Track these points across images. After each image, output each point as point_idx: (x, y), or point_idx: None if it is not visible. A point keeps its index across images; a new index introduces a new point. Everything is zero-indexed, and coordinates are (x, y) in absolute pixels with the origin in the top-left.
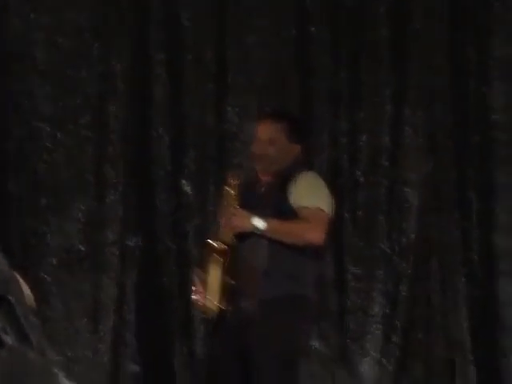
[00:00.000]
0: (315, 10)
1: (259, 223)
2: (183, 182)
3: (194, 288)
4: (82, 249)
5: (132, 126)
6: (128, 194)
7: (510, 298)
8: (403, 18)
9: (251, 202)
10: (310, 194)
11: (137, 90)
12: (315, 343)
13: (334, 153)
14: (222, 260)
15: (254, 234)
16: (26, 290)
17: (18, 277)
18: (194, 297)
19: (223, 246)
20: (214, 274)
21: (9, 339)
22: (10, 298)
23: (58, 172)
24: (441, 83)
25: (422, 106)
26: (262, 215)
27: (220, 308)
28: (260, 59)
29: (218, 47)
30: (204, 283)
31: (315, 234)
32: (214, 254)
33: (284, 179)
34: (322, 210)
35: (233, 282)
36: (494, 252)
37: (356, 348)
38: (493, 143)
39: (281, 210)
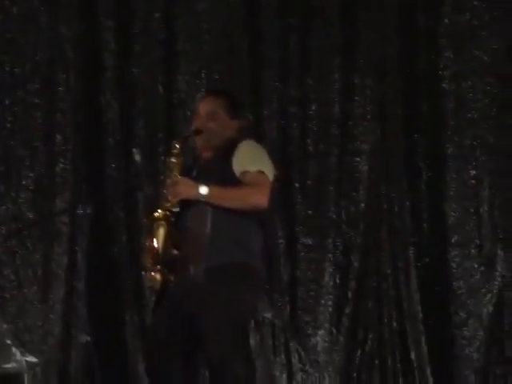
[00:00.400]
0: None
1: (202, 190)
2: (133, 150)
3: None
4: (32, 217)
5: (81, 94)
6: (78, 162)
7: (461, 267)
8: None
9: (194, 176)
10: (251, 158)
11: (86, 57)
12: (267, 314)
13: (283, 122)
14: (164, 224)
15: (198, 202)
16: None
17: None
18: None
19: (165, 213)
20: (160, 244)
21: None
22: None
23: (7, 139)
24: (391, 51)
25: (371, 74)
26: (205, 184)
27: (163, 277)
28: (209, 26)
29: (166, 14)
30: (150, 253)
31: (259, 198)
32: (158, 222)
33: (225, 150)
34: (263, 172)
35: (175, 252)
36: (444, 222)
37: (308, 319)
38: (442, 112)
39: (224, 178)
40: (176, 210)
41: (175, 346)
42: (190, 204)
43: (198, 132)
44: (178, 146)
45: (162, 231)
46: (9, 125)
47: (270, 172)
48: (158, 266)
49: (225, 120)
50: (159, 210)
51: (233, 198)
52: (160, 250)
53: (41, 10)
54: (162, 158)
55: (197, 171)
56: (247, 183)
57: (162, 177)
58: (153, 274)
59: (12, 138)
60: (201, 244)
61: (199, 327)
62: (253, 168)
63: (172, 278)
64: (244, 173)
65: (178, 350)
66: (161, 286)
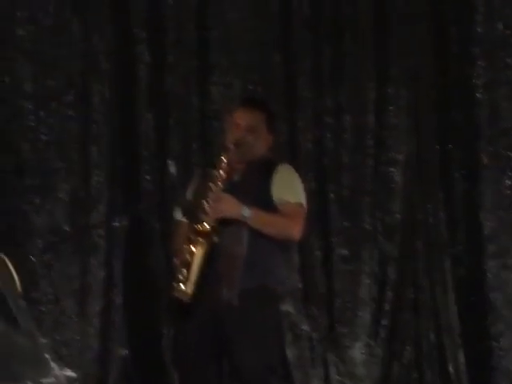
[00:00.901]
0: None
1: (245, 212)
2: (168, 161)
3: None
4: (68, 230)
5: (116, 105)
6: (113, 174)
7: (498, 279)
8: None
9: (227, 190)
10: (291, 188)
11: (120, 68)
12: (304, 327)
13: (318, 133)
14: (204, 242)
15: (236, 221)
16: (13, 273)
17: (6, 260)
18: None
19: (208, 230)
20: (197, 258)
21: None
22: None
23: (42, 151)
24: (424, 61)
25: (405, 84)
26: (242, 202)
27: (194, 292)
28: (242, 37)
29: (200, 25)
30: (184, 265)
31: (295, 230)
32: (198, 238)
33: (263, 169)
34: (302, 205)
35: (208, 270)
36: (481, 232)
37: (345, 331)
38: (476, 121)
39: (262, 201)
40: (215, 225)
41: (206, 362)
42: (227, 221)
43: (237, 144)
44: (225, 158)
45: (201, 250)
46: (44, 137)
47: (305, 202)
48: (191, 280)
49: (263, 134)
50: (203, 225)
51: (272, 225)
52: (196, 268)
53: (74, 22)
54: (196, 168)
55: (230, 186)
56: (287, 214)
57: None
58: (182, 286)
59: (47, 150)
60: (236, 265)
61: (232, 349)
62: (293, 199)
63: (203, 293)
64: (284, 203)
65: (208, 368)
66: (190, 299)
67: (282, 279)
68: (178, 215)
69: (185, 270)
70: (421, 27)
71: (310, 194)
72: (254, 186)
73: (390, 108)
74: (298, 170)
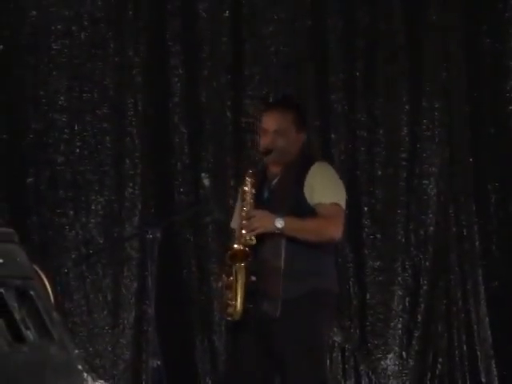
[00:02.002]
0: (331, 1)
1: (278, 223)
2: (202, 174)
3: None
4: (101, 242)
5: (150, 118)
6: (147, 186)
7: None
8: (418, 8)
9: (264, 197)
10: (325, 188)
11: (154, 81)
12: (337, 338)
13: (351, 145)
14: (244, 265)
15: (272, 234)
16: (47, 285)
17: (40, 272)
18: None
19: (245, 249)
20: (240, 281)
21: (30, 335)
22: (32, 293)
23: (76, 164)
24: (457, 74)
25: (439, 97)
26: (277, 210)
27: (245, 310)
28: (276, 51)
29: (233, 38)
30: (230, 289)
31: (333, 231)
32: (237, 264)
33: (297, 171)
34: (337, 204)
35: (254, 279)
36: None
37: (378, 342)
38: (509, 134)
39: (298, 205)
40: (253, 243)
41: (256, 375)
42: (264, 235)
43: (267, 152)
44: (251, 174)
45: (242, 275)
46: (78, 150)
47: (342, 200)
48: (238, 300)
49: (293, 135)
50: (237, 245)
51: (308, 231)
52: (241, 292)
53: (108, 35)
54: (232, 182)
55: (268, 192)
56: (322, 216)
57: (231, 200)
58: (231, 309)
59: (81, 162)
60: (275, 278)
61: (277, 358)
62: (327, 200)
63: (250, 306)
64: (318, 204)
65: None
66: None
67: (329, 278)
68: (232, 224)
69: (229, 293)
70: (454, 40)
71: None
72: (289, 191)
73: (424, 121)
74: None
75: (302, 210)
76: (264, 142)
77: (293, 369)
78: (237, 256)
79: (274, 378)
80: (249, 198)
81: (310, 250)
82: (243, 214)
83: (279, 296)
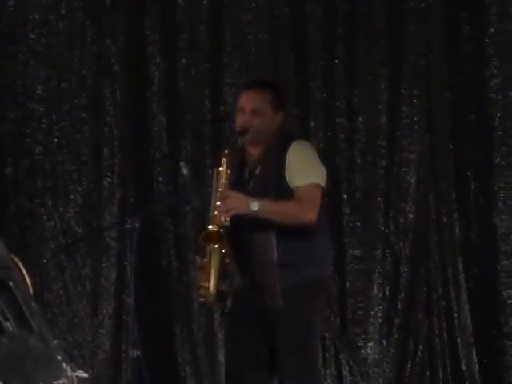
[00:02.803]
0: None
1: (253, 206)
2: (181, 163)
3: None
4: (80, 232)
5: (128, 108)
6: (125, 176)
7: (511, 277)
8: None
9: (244, 179)
10: (302, 168)
11: (132, 70)
12: None
13: (330, 133)
14: (218, 247)
15: (261, 227)
16: (25, 275)
17: (18, 262)
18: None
19: (219, 230)
20: (214, 262)
21: (9, 325)
22: (11, 283)
23: (54, 154)
24: (437, 61)
25: (418, 85)
26: (261, 195)
27: (218, 292)
28: (254, 38)
29: (212, 27)
30: (203, 270)
31: (307, 214)
32: (211, 244)
33: (276, 153)
34: (315, 185)
35: (228, 261)
36: (494, 231)
37: (358, 331)
38: (489, 121)
39: (280, 189)
40: (227, 224)
41: (257, 368)
42: (251, 228)
43: (244, 132)
44: (226, 154)
45: (216, 256)
46: (56, 140)
47: (320, 178)
48: (212, 282)
49: (270, 115)
50: (211, 226)
51: (282, 214)
52: (215, 273)
53: (86, 25)
54: (211, 171)
55: (249, 175)
56: (298, 198)
57: (210, 189)
58: (203, 291)
59: (59, 152)
60: (271, 272)
61: (276, 345)
62: (304, 181)
63: (229, 289)
64: (296, 187)
65: (260, 365)
66: (222, 298)
67: (323, 263)
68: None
69: (201, 274)
70: (433, 27)
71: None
72: (271, 176)
73: (403, 108)
74: None
75: (285, 192)
76: (241, 120)
77: (289, 359)
78: (211, 237)
79: (271, 365)
80: (224, 179)
81: (300, 239)
82: (218, 194)
83: (278, 289)
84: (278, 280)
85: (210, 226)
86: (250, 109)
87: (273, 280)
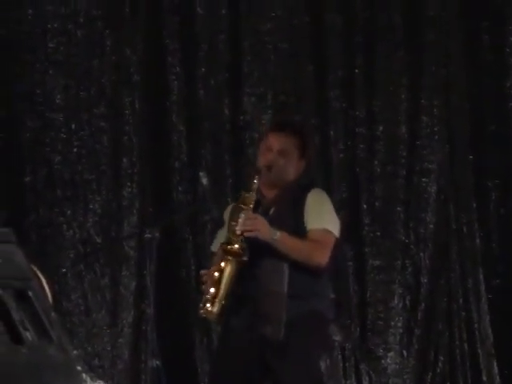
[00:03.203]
0: None
1: (274, 234)
2: (200, 173)
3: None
4: (99, 241)
5: (147, 117)
6: (145, 185)
7: None
8: (418, 4)
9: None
10: (320, 214)
11: (151, 79)
12: (337, 337)
13: (350, 143)
14: (233, 260)
15: (272, 256)
16: (45, 285)
17: (38, 272)
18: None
19: (239, 251)
20: (225, 276)
21: (29, 335)
22: (30, 293)
23: (74, 163)
24: (457, 71)
25: (438, 94)
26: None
27: (221, 313)
28: (274, 48)
29: (231, 36)
30: (212, 284)
31: (320, 257)
32: (228, 256)
33: (294, 197)
34: (330, 231)
35: (250, 307)
36: None
37: (378, 341)
38: (510, 131)
39: (296, 230)
40: (246, 258)
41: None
42: (261, 256)
43: (269, 167)
44: (256, 180)
45: (229, 268)
46: (75, 149)
47: (335, 228)
48: (217, 300)
49: (295, 159)
50: (235, 245)
51: (297, 250)
52: (224, 286)
53: (105, 34)
54: (230, 180)
55: (262, 212)
56: (313, 240)
57: (229, 199)
58: (209, 306)
59: (79, 162)
60: (279, 302)
61: (275, 376)
62: (319, 225)
63: (230, 318)
64: (311, 230)
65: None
66: (220, 322)
67: (327, 303)
68: (212, 247)
69: (213, 289)
70: (454, 36)
71: (343, 204)
72: (287, 218)
73: (423, 118)
74: (330, 179)
75: (301, 234)
76: (266, 158)
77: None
78: (230, 255)
79: None
80: (249, 202)
81: (309, 273)
82: (245, 211)
83: (282, 320)
84: (286, 312)
85: (227, 245)
86: (278, 149)
87: (279, 311)
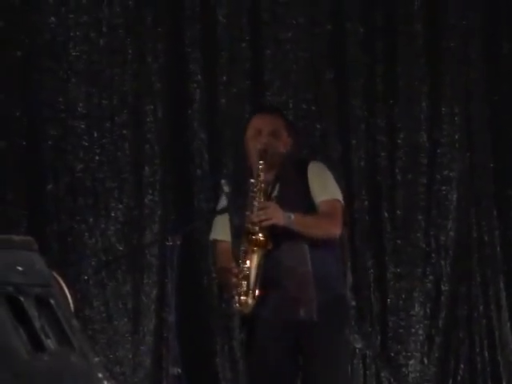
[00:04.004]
0: (350, 6)
1: (288, 216)
2: (222, 181)
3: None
4: (121, 249)
5: (169, 125)
6: (166, 193)
7: None
8: (438, 11)
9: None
10: (326, 185)
11: (173, 88)
12: (358, 344)
13: (371, 151)
14: (259, 251)
15: (292, 239)
16: (67, 292)
17: (59, 279)
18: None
19: (265, 239)
20: (253, 267)
21: (50, 343)
22: (51, 301)
23: (95, 171)
24: (477, 78)
25: (458, 102)
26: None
27: (255, 304)
28: (295, 56)
29: (253, 44)
30: (242, 277)
31: (336, 227)
32: (254, 247)
33: (296, 173)
34: (338, 200)
35: (278, 292)
36: None
37: (399, 349)
38: None
39: (306, 204)
40: (271, 246)
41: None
42: (280, 239)
43: (265, 152)
44: (261, 166)
45: (257, 258)
46: (97, 157)
47: (340, 195)
48: (251, 291)
49: (285, 138)
50: (259, 235)
51: (313, 227)
52: (254, 278)
53: (127, 41)
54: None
55: (267, 195)
56: (325, 212)
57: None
58: (244, 298)
59: (100, 170)
60: (306, 283)
61: (309, 360)
62: (327, 196)
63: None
64: (321, 202)
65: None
66: (250, 313)
67: (346, 284)
68: (213, 235)
69: (245, 282)
70: (474, 43)
71: (363, 212)
72: (293, 194)
73: (443, 126)
74: (351, 187)
75: (311, 209)
76: (259, 142)
77: (322, 371)
78: (256, 244)
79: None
80: (259, 190)
81: (328, 252)
82: (256, 203)
83: (314, 300)
84: (315, 293)
85: (251, 236)
86: (268, 130)
87: (309, 292)
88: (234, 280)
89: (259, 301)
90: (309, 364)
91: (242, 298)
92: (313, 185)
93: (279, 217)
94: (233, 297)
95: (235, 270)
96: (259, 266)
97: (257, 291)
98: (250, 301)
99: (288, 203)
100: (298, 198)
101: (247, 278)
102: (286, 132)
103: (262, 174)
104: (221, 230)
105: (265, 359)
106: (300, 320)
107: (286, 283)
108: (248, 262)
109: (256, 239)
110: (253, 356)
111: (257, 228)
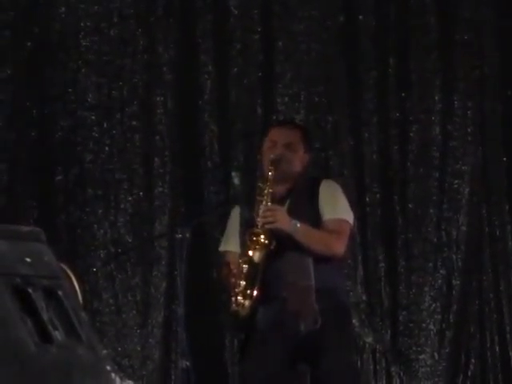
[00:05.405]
0: None
1: (294, 224)
2: (232, 173)
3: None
4: (130, 241)
5: (179, 116)
6: (176, 185)
7: None
8: (451, 5)
9: None
10: (335, 204)
11: (184, 79)
12: (368, 339)
13: (383, 144)
14: (263, 252)
15: (296, 253)
16: (75, 284)
17: (68, 271)
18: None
19: (267, 242)
20: (256, 267)
21: (58, 335)
22: (60, 292)
23: (105, 162)
24: (490, 73)
25: (471, 96)
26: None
27: (252, 306)
28: (307, 48)
29: (265, 36)
30: (242, 275)
31: (339, 246)
32: (256, 246)
33: (309, 188)
34: (345, 220)
35: (279, 306)
36: None
37: (409, 343)
38: None
39: (314, 221)
40: (273, 246)
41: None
42: (284, 251)
43: (276, 162)
44: (271, 172)
45: (258, 258)
46: (107, 148)
47: (350, 217)
48: (249, 291)
49: (300, 153)
50: (261, 235)
51: (316, 240)
52: (253, 279)
53: (138, 32)
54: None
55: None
56: (330, 230)
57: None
58: (241, 299)
59: (110, 161)
60: (309, 297)
61: (315, 362)
62: (335, 215)
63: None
64: (327, 220)
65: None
66: (247, 318)
67: (346, 293)
68: (223, 247)
69: (243, 282)
70: (487, 38)
71: (375, 206)
72: (305, 210)
73: (456, 120)
74: (363, 181)
75: (318, 225)
76: (273, 152)
77: (331, 371)
78: (258, 244)
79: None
80: (267, 194)
81: (332, 266)
82: (263, 204)
83: (315, 311)
84: (318, 303)
85: (253, 236)
86: (283, 143)
87: (310, 305)
88: (233, 280)
89: (258, 312)
90: (316, 366)
91: (239, 298)
92: (322, 202)
93: (285, 221)
94: (230, 298)
95: (234, 271)
96: (260, 268)
97: (255, 292)
98: (246, 303)
99: (297, 217)
100: (307, 214)
101: (246, 278)
102: (304, 148)
103: (271, 179)
104: (232, 242)
105: (260, 372)
106: (301, 333)
107: (286, 296)
108: (248, 262)
109: (258, 240)
110: (247, 367)
111: (261, 229)
